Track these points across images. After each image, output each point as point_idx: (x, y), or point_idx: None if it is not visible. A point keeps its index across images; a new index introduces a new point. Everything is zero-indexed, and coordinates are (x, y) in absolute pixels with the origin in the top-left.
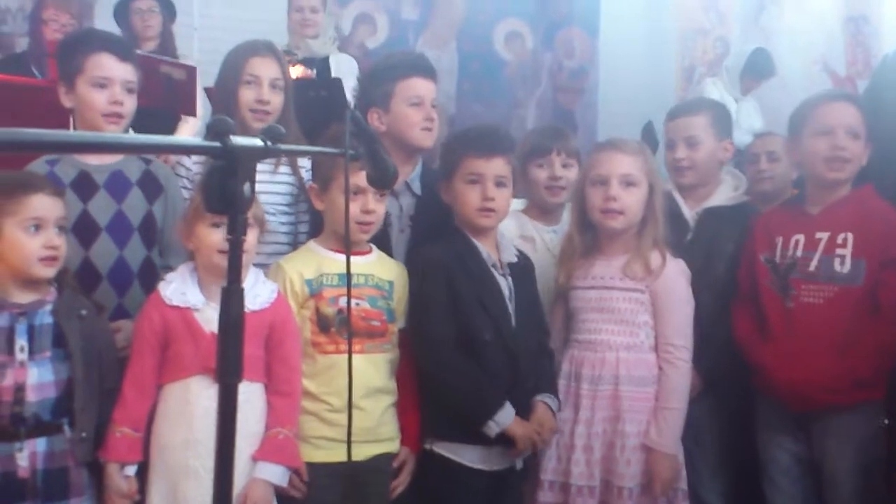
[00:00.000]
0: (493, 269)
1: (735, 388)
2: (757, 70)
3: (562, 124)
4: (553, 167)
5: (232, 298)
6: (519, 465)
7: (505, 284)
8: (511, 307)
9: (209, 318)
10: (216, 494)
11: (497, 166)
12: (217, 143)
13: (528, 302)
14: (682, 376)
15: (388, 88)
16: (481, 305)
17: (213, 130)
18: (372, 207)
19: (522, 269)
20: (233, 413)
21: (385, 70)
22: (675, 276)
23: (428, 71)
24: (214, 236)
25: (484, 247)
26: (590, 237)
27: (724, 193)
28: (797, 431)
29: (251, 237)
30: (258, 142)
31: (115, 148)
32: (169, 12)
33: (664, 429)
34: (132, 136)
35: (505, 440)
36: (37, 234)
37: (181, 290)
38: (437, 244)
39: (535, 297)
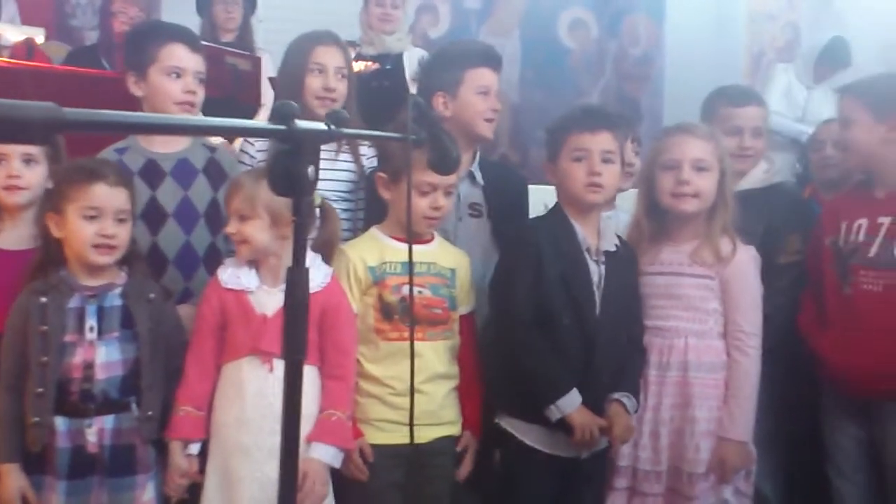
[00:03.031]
0: (585, 253)
1: (788, 374)
2: (833, 59)
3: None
4: (628, 155)
5: (297, 278)
6: (583, 455)
7: (595, 271)
8: (597, 294)
9: (262, 300)
10: (283, 468)
11: (603, 141)
12: (282, 126)
13: (623, 293)
14: (752, 364)
15: (458, 75)
16: (565, 287)
17: (278, 114)
18: (441, 203)
19: (621, 260)
20: (298, 389)
21: (455, 56)
22: (747, 263)
23: (497, 62)
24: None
25: (582, 229)
26: (657, 223)
27: (755, 176)
28: (860, 417)
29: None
30: (322, 125)
31: (187, 130)
32: (250, 4)
33: (736, 417)
34: (202, 119)
35: (567, 427)
36: (93, 222)
37: (236, 273)
38: (533, 221)
39: (632, 289)
